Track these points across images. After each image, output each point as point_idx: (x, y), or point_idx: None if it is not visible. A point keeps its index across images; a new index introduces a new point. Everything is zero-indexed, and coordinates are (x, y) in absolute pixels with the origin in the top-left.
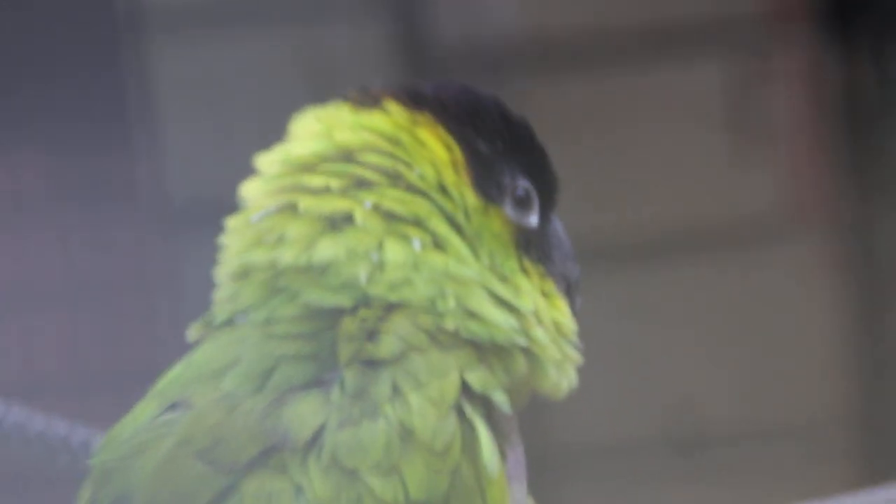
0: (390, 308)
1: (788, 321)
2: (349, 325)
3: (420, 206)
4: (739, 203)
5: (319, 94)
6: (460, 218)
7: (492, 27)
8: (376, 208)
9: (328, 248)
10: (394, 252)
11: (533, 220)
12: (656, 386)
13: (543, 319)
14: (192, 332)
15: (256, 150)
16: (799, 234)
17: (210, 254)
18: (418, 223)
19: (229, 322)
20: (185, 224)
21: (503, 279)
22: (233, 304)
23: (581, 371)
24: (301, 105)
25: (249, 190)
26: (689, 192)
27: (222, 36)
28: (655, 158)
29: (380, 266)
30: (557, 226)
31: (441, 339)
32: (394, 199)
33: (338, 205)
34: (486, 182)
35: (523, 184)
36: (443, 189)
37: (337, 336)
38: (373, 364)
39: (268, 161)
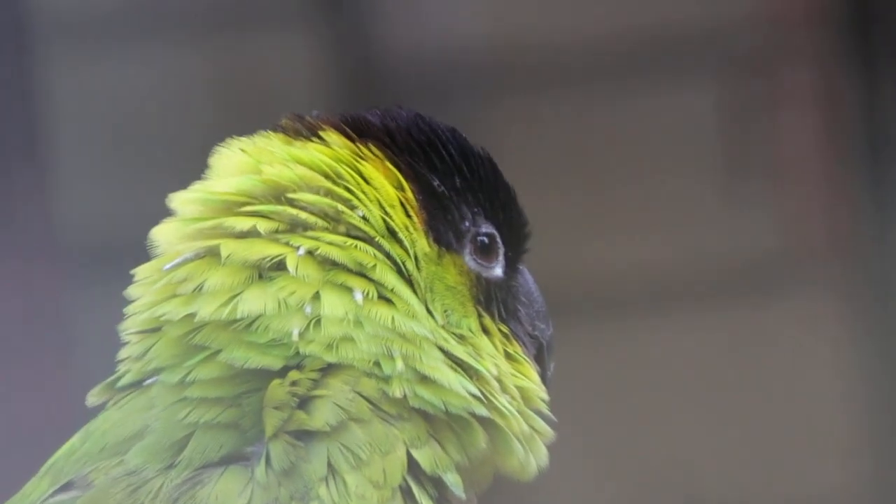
0: (327, 370)
1: (793, 380)
2: (277, 389)
3: (363, 253)
4: (738, 247)
5: (246, 121)
6: (410, 266)
7: (449, 41)
8: (311, 255)
9: (255, 301)
10: (332, 305)
11: (497, 271)
12: (646, 456)
13: (507, 386)
14: (93, 396)
15: (171, 187)
16: (807, 281)
17: (113, 306)
18: (361, 272)
19: (137, 384)
20: (81, 271)
21: (460, 339)
22: (142, 364)
23: (559, 443)
24: (224, 134)
25: (162, 233)
26: (681, 234)
27: (128, 50)
28: (641, 195)
29: (315, 321)
30: (527, 278)
31: (386, 408)
32: (332, 245)
33: (267, 251)
34: (442, 226)
35: (486, 229)
36: (391, 232)
37: (263, 402)
38: (304, 436)
39: (184, 200)
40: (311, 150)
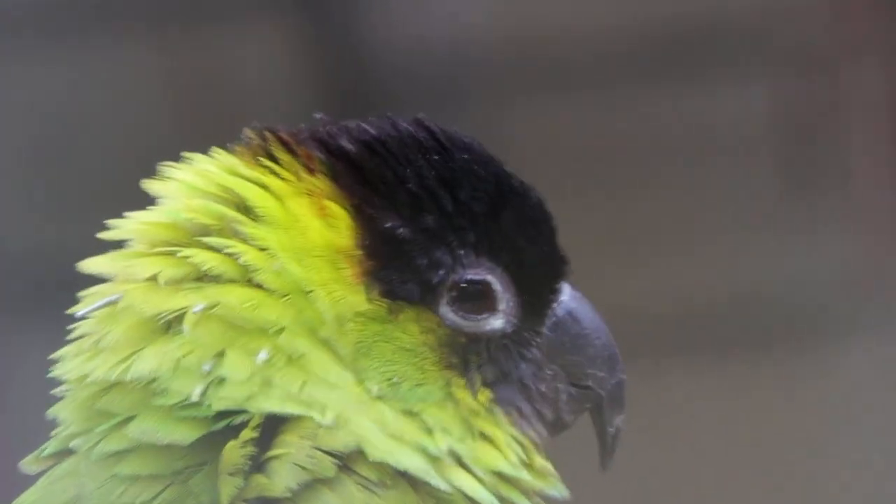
0: (274, 425)
1: (859, 439)
2: (232, 452)
3: (268, 312)
4: (795, 277)
5: (212, 131)
6: (325, 331)
7: (454, 31)
8: (211, 312)
9: (151, 360)
10: (233, 366)
11: (496, 322)
12: None
13: (469, 466)
14: (28, 464)
15: (114, 209)
16: (878, 318)
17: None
18: (266, 334)
19: (61, 452)
20: (10, 305)
21: (405, 412)
22: (61, 429)
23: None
24: (188, 145)
25: (93, 269)
26: (726, 261)
27: (62, 46)
28: (678, 214)
29: (216, 381)
30: (581, 316)
31: (363, 471)
32: (236, 301)
33: (165, 304)
34: (399, 276)
35: (473, 275)
36: (307, 290)
37: (212, 473)
38: None
39: (117, 230)
40: (247, 181)
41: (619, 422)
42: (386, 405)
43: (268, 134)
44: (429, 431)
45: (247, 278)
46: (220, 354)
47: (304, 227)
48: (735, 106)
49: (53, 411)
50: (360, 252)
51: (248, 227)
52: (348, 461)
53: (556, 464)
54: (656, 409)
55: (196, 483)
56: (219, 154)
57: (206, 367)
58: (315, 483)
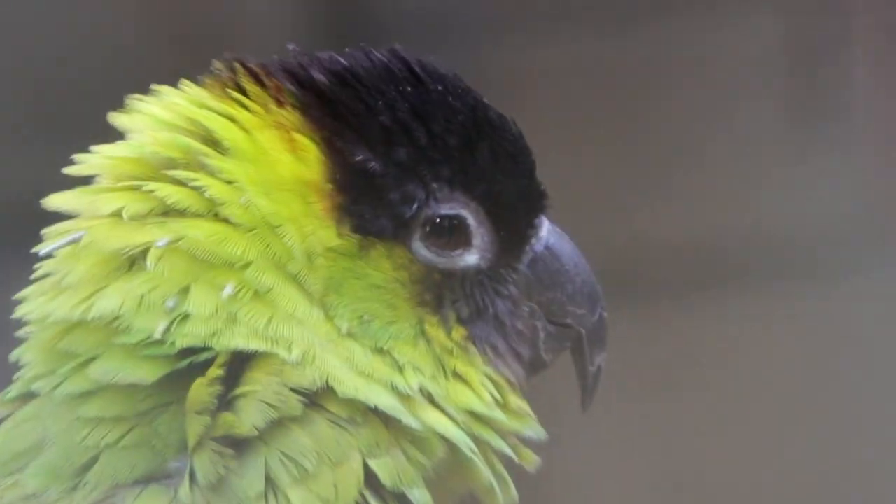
0: (242, 361)
1: (871, 374)
2: (199, 391)
3: (235, 246)
4: (807, 212)
5: (189, 60)
6: (294, 266)
7: None
8: (176, 246)
9: (113, 297)
10: (198, 301)
11: (470, 258)
12: (695, 463)
13: (441, 405)
14: None
15: (82, 142)
16: (887, 253)
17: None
18: (232, 268)
19: (25, 395)
20: None
21: (375, 350)
22: (24, 371)
23: (593, 440)
24: (160, 77)
25: (60, 205)
26: (737, 199)
27: None
28: (687, 152)
29: (180, 317)
30: (559, 251)
31: (333, 408)
32: (202, 235)
33: (129, 239)
34: (371, 210)
35: (447, 209)
36: (275, 224)
37: (178, 414)
38: (235, 444)
39: (83, 165)
40: (215, 113)
41: (600, 360)
42: (356, 343)
43: (237, 65)
44: (400, 369)
45: (213, 212)
46: (185, 290)
47: (273, 161)
48: (745, 40)
49: (16, 354)
50: (330, 186)
51: (214, 160)
52: (318, 398)
53: (535, 405)
54: (654, 348)
55: (161, 423)
56: (187, 86)
57: (170, 304)
58: (284, 420)
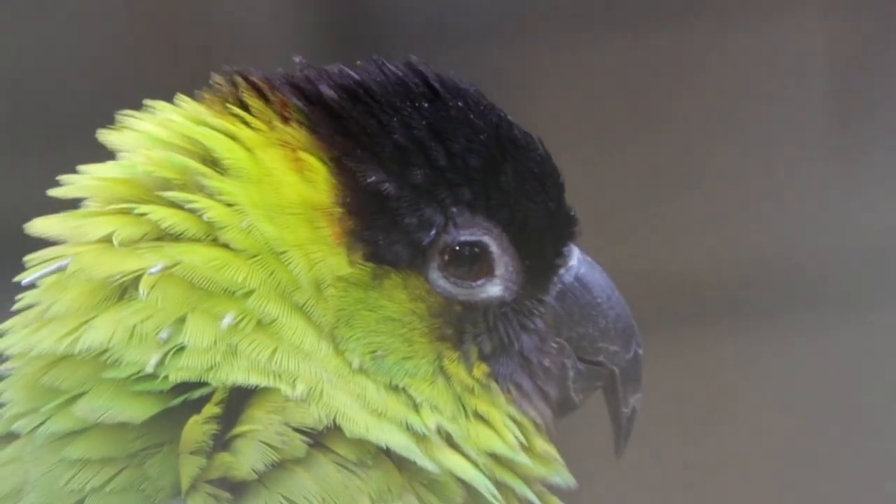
0: (241, 397)
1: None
2: (194, 429)
3: (236, 273)
4: (849, 235)
5: (188, 72)
6: (303, 294)
7: None
8: (171, 272)
9: (102, 329)
10: (195, 332)
11: (493, 289)
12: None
13: (461, 447)
14: None
15: (67, 161)
16: None
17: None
18: (232, 297)
19: (9, 435)
20: None
21: (389, 387)
22: (5, 410)
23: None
24: (154, 91)
25: (40, 230)
26: (778, 218)
27: None
28: (721, 166)
29: (175, 350)
30: (591, 284)
31: (340, 450)
32: (199, 261)
33: (120, 266)
34: (385, 236)
35: (468, 236)
36: (280, 250)
37: (171, 455)
38: (233, 487)
39: (68, 185)
40: (214, 131)
41: (635, 401)
42: (368, 379)
43: (238, 79)
44: (416, 408)
45: (211, 237)
46: (180, 320)
47: (277, 182)
48: (787, 41)
49: (2, 385)
50: (340, 210)
51: (213, 181)
52: (324, 439)
53: (562, 448)
54: (681, 383)
55: (153, 465)
56: (184, 102)
57: (164, 335)
58: (286, 463)
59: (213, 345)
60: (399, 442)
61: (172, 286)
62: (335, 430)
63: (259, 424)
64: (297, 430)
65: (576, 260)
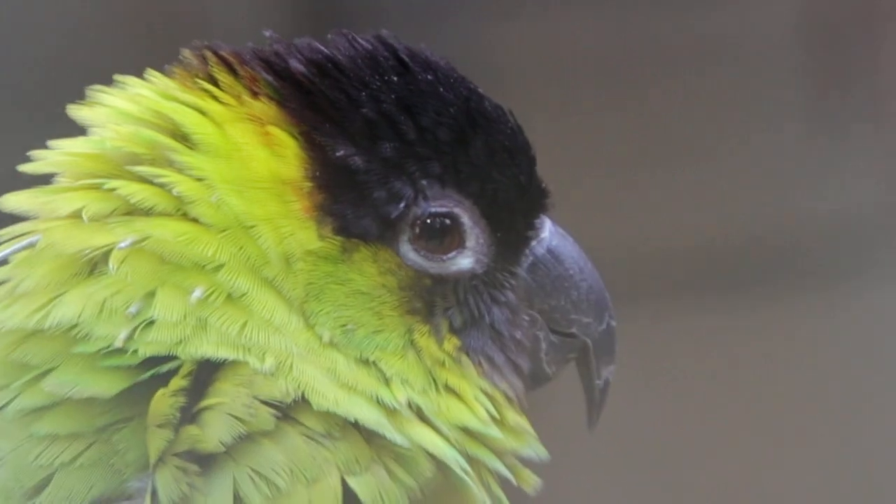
0: (209, 370)
1: (880, 379)
2: (161, 402)
3: (205, 247)
4: (824, 211)
5: (157, 48)
6: (270, 270)
7: None
8: (141, 247)
9: (72, 304)
10: (164, 306)
11: (464, 262)
12: (700, 485)
13: (432, 421)
14: None
15: (39, 138)
16: None
17: None
18: (202, 271)
19: None
20: None
21: (359, 361)
22: None
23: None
24: (124, 66)
25: (13, 205)
26: (752, 191)
27: None
28: (698, 140)
29: (144, 324)
30: (563, 255)
31: (308, 421)
32: (169, 235)
33: (89, 241)
34: (354, 210)
35: (438, 207)
36: (250, 224)
37: (139, 429)
38: (201, 459)
39: (39, 162)
40: (183, 105)
41: (608, 373)
42: (338, 353)
43: (208, 54)
44: (386, 382)
45: (181, 211)
46: (150, 294)
47: (247, 156)
48: (762, 16)
49: None
50: (309, 184)
51: (182, 156)
52: (292, 411)
53: (535, 421)
54: (661, 355)
55: (122, 440)
56: (154, 77)
57: (133, 309)
58: (253, 435)
59: (182, 318)
60: (368, 416)
61: (142, 261)
62: (303, 403)
63: (227, 397)
64: (264, 402)
65: (547, 232)
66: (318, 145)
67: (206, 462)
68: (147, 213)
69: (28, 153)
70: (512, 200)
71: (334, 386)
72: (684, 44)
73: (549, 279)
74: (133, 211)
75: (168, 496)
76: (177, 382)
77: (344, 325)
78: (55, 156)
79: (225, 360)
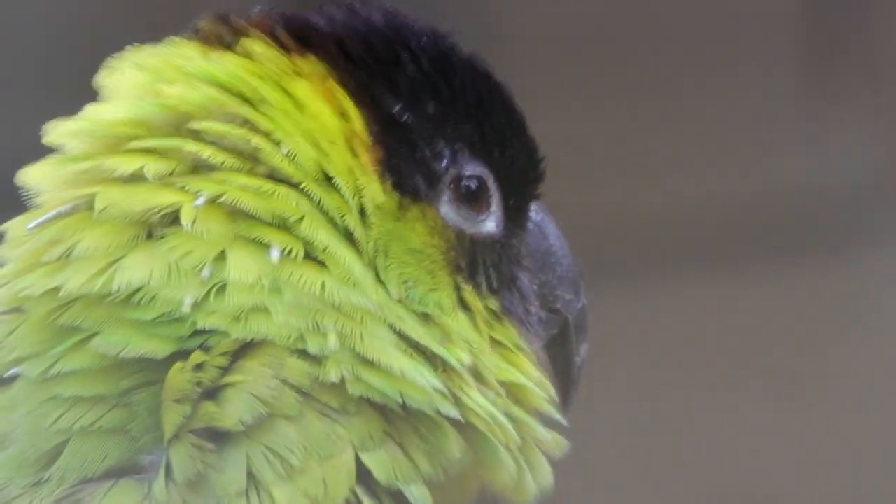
0: (241, 350)
1: (880, 350)
2: (179, 376)
3: (285, 202)
4: (819, 178)
5: (158, 21)
6: (351, 222)
7: None
8: (215, 203)
9: (138, 267)
10: (240, 267)
11: (490, 225)
12: (697, 453)
13: (488, 380)
14: None
15: (54, 113)
16: None
17: None
18: (282, 226)
19: (6, 379)
20: None
21: (423, 318)
22: (3, 354)
23: (589, 433)
24: (127, 39)
25: (35, 178)
26: (747, 162)
27: None
28: (693, 110)
29: (217, 288)
30: (546, 231)
31: (323, 398)
32: (244, 190)
33: (155, 200)
34: (407, 167)
35: (472, 170)
36: (326, 177)
37: (161, 395)
38: (216, 436)
39: (64, 132)
40: (227, 65)
41: (584, 351)
42: (405, 310)
43: (230, 19)
44: (448, 339)
45: (252, 166)
46: (223, 254)
47: (311, 110)
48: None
49: None
50: (371, 138)
51: (241, 110)
52: (312, 392)
53: None
54: (655, 326)
55: (140, 401)
56: (178, 43)
57: (206, 272)
58: (272, 416)
59: (258, 280)
60: (430, 383)
61: (216, 219)
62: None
63: (250, 375)
64: (290, 385)
65: (534, 207)
66: (370, 102)
67: (220, 438)
68: (213, 170)
69: (42, 125)
70: (522, 173)
71: (399, 354)
72: (680, 10)
73: (540, 253)
74: (195, 170)
75: (183, 473)
76: (197, 356)
77: (406, 282)
78: (81, 124)
79: (258, 341)
